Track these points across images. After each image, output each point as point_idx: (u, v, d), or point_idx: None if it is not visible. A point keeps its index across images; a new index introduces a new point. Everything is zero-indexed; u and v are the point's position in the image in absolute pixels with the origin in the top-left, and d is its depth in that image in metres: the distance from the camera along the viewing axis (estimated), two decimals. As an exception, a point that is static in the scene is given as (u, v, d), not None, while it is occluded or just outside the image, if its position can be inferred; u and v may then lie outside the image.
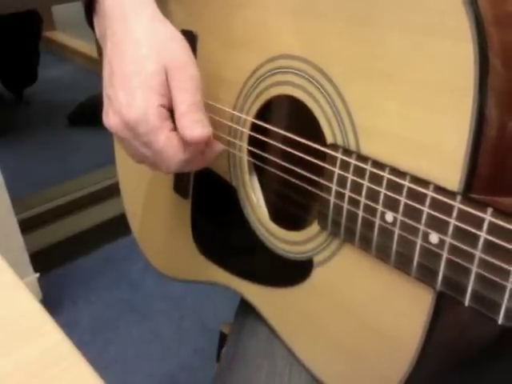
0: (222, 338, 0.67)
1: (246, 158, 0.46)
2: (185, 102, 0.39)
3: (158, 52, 0.40)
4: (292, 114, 0.43)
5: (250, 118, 0.45)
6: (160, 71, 0.39)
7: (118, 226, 1.39)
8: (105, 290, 1.35)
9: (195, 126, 0.39)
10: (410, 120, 0.32)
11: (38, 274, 1.23)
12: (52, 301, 1.28)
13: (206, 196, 0.53)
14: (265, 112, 0.45)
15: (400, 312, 0.35)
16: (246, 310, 0.55)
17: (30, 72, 2.10)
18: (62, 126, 2.07)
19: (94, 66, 2.49)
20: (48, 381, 0.30)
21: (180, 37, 0.41)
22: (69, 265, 1.42)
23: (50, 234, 1.39)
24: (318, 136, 0.44)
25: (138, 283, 1.38)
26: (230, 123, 0.47)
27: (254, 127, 0.45)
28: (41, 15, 2.03)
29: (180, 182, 0.55)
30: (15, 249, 1.15)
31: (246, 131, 0.45)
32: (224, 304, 1.29)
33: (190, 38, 0.48)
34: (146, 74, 0.39)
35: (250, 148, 0.46)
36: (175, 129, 0.40)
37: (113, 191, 1.46)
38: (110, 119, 0.41)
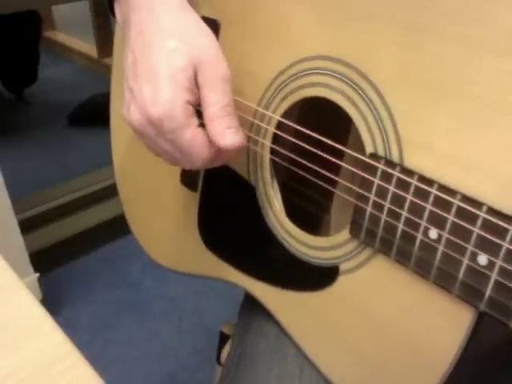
0: (222, 338, 0.67)
1: (268, 156, 0.45)
2: (217, 103, 0.38)
3: (188, 47, 0.38)
4: (324, 118, 0.41)
5: (278, 117, 0.43)
6: (189, 67, 0.38)
7: (118, 226, 1.38)
8: (105, 290, 1.35)
9: (228, 133, 0.38)
10: (463, 137, 0.31)
11: (37, 274, 1.23)
12: (52, 301, 1.28)
13: (219, 191, 0.52)
14: (293, 112, 0.43)
15: (434, 328, 0.34)
16: (251, 308, 0.54)
17: (30, 72, 2.10)
18: (61, 126, 2.07)
19: (94, 66, 2.50)
20: (48, 381, 0.30)
21: (208, 31, 0.40)
22: (69, 265, 1.42)
23: (50, 234, 1.39)
24: (347, 141, 0.42)
25: (137, 283, 1.38)
26: (252, 119, 0.45)
27: (280, 126, 0.44)
28: (41, 15, 2.02)
29: (188, 174, 0.54)
30: (15, 249, 1.15)
31: (271, 129, 0.44)
32: (224, 304, 1.29)
33: (213, 26, 0.45)
34: (174, 68, 0.38)
35: (273, 146, 0.44)
36: (201, 125, 0.39)
37: (113, 191, 1.45)
38: (131, 114, 0.39)
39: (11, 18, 1.83)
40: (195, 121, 0.39)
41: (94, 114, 1.97)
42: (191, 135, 0.39)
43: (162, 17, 0.39)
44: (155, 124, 0.38)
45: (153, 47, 0.38)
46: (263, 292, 0.49)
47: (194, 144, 0.39)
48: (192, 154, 0.40)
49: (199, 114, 0.50)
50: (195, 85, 0.39)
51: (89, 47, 2.54)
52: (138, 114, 0.39)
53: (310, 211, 0.50)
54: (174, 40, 0.38)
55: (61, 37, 2.78)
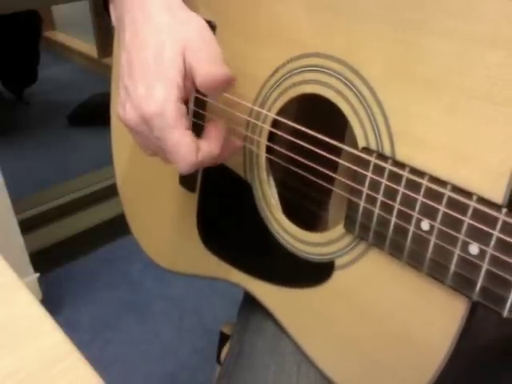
0: (222, 338, 0.67)
1: (263, 154, 0.45)
2: (201, 70, 0.38)
3: (175, 39, 0.38)
4: (318, 114, 0.42)
5: (273, 115, 0.43)
6: (176, 58, 0.38)
7: (118, 226, 1.39)
8: (105, 290, 1.35)
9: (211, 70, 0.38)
10: (453, 129, 0.31)
11: (38, 274, 1.23)
12: (52, 301, 1.28)
13: (216, 191, 0.52)
14: (288, 109, 0.43)
15: (429, 320, 0.35)
16: (250, 307, 0.54)
17: (29, 72, 2.10)
18: (61, 126, 2.07)
19: (93, 66, 2.50)
20: (48, 381, 0.30)
21: (198, 18, 0.40)
22: (69, 265, 1.42)
23: (50, 234, 1.39)
24: (344, 137, 0.42)
25: (137, 283, 1.38)
26: (248, 118, 0.45)
27: (275, 124, 0.44)
28: (41, 15, 2.02)
29: (187, 175, 0.54)
30: (15, 249, 1.15)
31: (267, 127, 0.44)
32: (224, 304, 1.29)
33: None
34: (163, 62, 0.38)
35: (269, 144, 0.45)
36: (192, 129, 0.40)
37: (113, 191, 1.45)
38: (126, 112, 0.40)
39: (11, 18, 1.83)
40: (185, 122, 0.39)
41: (94, 113, 1.97)
42: (179, 136, 0.39)
43: (155, 16, 0.39)
44: (147, 121, 0.39)
45: (145, 46, 0.39)
46: (261, 290, 0.49)
47: (181, 145, 0.39)
48: (177, 156, 0.39)
49: (197, 113, 0.50)
50: (186, 76, 0.39)
51: (89, 47, 2.54)
52: (132, 112, 0.39)
53: (307, 209, 0.50)
54: (164, 37, 0.38)
55: (61, 37, 2.78)
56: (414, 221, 0.33)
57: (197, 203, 0.54)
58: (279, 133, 0.43)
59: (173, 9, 0.40)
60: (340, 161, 0.38)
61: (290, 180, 0.47)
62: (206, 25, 0.40)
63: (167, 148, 0.39)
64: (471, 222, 0.30)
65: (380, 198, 0.35)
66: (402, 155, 0.34)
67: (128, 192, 0.67)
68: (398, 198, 0.34)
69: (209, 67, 0.38)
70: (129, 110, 0.39)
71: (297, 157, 0.42)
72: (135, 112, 0.39)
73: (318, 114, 0.42)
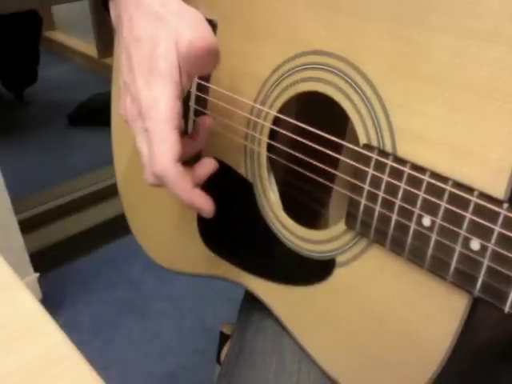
0: (222, 338, 0.67)
1: (264, 152, 0.45)
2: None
3: (166, 29, 0.38)
4: (319, 112, 0.42)
5: (274, 112, 0.43)
6: (169, 51, 0.38)
7: (118, 226, 1.39)
8: (105, 290, 1.35)
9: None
10: (454, 124, 0.31)
11: (37, 274, 1.23)
12: (52, 301, 1.28)
13: (217, 189, 0.53)
14: (289, 107, 0.44)
15: (430, 316, 0.35)
16: (250, 307, 0.54)
17: (29, 72, 2.10)
18: (62, 126, 2.07)
19: (94, 66, 2.49)
20: (48, 381, 0.30)
21: (193, 11, 0.40)
22: (69, 265, 1.42)
23: (50, 234, 1.39)
24: (345, 135, 0.42)
25: (137, 283, 1.38)
26: (249, 116, 0.46)
27: (276, 122, 0.44)
28: (41, 15, 2.02)
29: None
30: (15, 249, 1.15)
31: (268, 125, 0.44)
32: (224, 304, 1.29)
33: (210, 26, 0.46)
34: (157, 56, 0.38)
35: (270, 142, 0.45)
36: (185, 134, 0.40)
37: (113, 191, 1.45)
38: (127, 106, 0.40)
39: (11, 18, 1.83)
40: (177, 121, 0.38)
41: (95, 113, 1.97)
42: (167, 132, 0.38)
43: (149, 11, 0.39)
44: (142, 113, 0.39)
45: (141, 41, 0.39)
46: (262, 288, 0.49)
47: (166, 141, 0.38)
48: (157, 151, 0.38)
49: (197, 112, 0.50)
50: (181, 70, 0.39)
51: (89, 47, 2.54)
52: (132, 107, 0.39)
53: (308, 206, 0.50)
54: (158, 31, 0.39)
55: (61, 37, 2.78)
56: (415, 217, 0.33)
57: None
58: (280, 130, 0.43)
59: (167, 3, 0.40)
60: (341, 158, 0.38)
61: (291, 178, 0.47)
62: (201, 17, 0.40)
63: (152, 140, 0.38)
64: (472, 217, 0.30)
65: (381, 194, 0.35)
66: (403, 151, 0.34)
67: (128, 191, 0.67)
68: (399, 195, 0.34)
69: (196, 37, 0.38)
70: (129, 104, 0.40)
71: (298, 154, 0.42)
72: (133, 105, 0.39)
73: (319, 112, 0.42)
